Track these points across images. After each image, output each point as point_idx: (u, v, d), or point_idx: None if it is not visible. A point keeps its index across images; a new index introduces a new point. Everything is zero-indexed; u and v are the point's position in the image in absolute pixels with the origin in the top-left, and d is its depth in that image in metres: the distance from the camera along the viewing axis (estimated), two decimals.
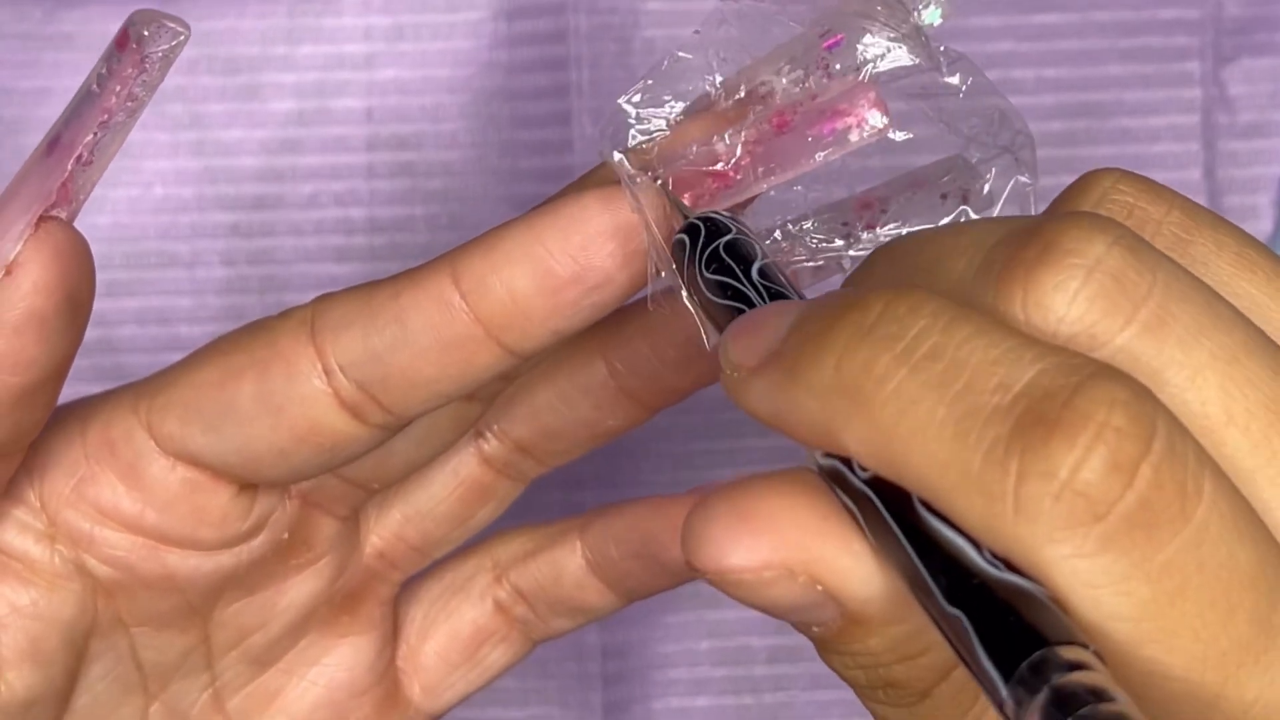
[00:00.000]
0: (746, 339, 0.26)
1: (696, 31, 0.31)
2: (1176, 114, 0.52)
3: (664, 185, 0.31)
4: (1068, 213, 0.25)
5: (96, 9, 0.51)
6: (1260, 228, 0.52)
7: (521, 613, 0.38)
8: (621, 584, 0.38)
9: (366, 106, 0.51)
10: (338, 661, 0.37)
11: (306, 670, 0.37)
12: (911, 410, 0.23)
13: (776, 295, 0.28)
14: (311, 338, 0.31)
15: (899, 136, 0.30)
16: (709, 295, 0.29)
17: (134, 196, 0.51)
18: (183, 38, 0.29)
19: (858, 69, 0.30)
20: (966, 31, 0.52)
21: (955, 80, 0.31)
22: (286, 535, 0.35)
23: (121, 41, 0.29)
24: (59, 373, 0.31)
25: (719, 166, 0.30)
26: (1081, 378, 0.22)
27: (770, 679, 0.51)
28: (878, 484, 0.24)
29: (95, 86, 0.30)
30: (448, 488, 0.38)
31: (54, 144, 0.30)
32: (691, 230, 0.30)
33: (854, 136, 0.30)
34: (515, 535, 0.39)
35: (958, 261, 0.25)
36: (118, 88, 0.29)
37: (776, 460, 0.50)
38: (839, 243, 0.32)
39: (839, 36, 0.30)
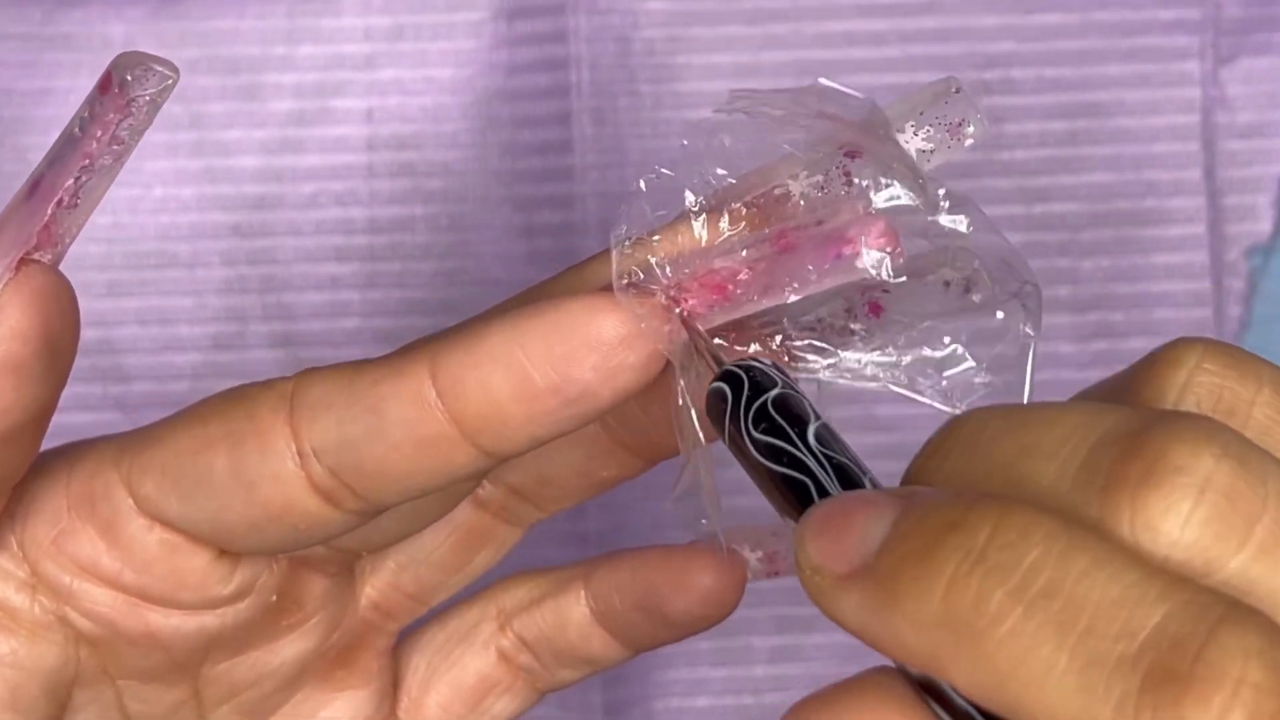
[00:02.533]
0: (830, 542, 0.24)
1: (684, 144, 0.30)
2: (1176, 114, 0.52)
3: (684, 316, 0.29)
4: (1169, 416, 0.24)
5: (96, 9, 0.51)
6: (1260, 228, 0.52)
7: (526, 662, 0.37)
8: (626, 635, 0.36)
9: (366, 106, 0.51)
10: (335, 716, 0.36)
11: None
12: (1029, 656, 0.22)
13: (840, 469, 0.26)
14: (289, 415, 0.29)
15: (891, 279, 0.29)
16: (758, 457, 0.27)
17: (134, 196, 0.51)
18: (170, 81, 0.28)
19: (878, 182, 0.29)
20: (967, 31, 0.52)
21: (959, 225, 0.29)
22: (275, 597, 0.33)
23: (105, 84, 0.28)
24: (40, 418, 0.30)
25: (718, 280, 0.29)
26: (1210, 623, 0.21)
27: (770, 679, 0.51)
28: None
29: (77, 130, 0.29)
30: (442, 534, 0.36)
31: (35, 187, 0.29)
32: (731, 380, 0.28)
33: (861, 263, 0.28)
34: (520, 581, 0.37)
35: (1050, 462, 0.24)
36: (99, 132, 0.28)
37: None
38: (820, 360, 0.30)
39: (860, 148, 0.29)
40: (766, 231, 0.29)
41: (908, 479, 0.26)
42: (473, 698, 0.37)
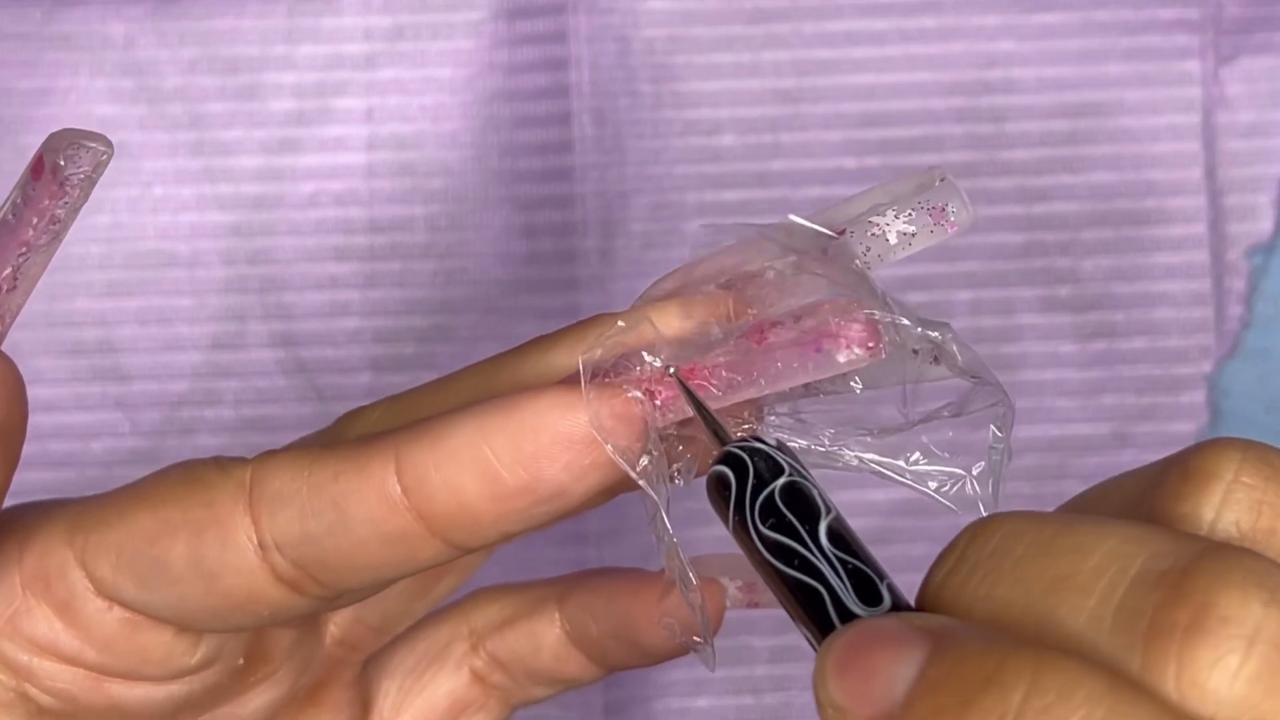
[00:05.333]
0: (854, 682, 0.23)
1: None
2: (1176, 114, 0.52)
3: (684, 384, 0.27)
4: (1212, 554, 0.23)
5: (96, 9, 0.51)
6: (1260, 228, 0.52)
7: (499, 680, 0.37)
8: (601, 658, 0.36)
9: (366, 106, 0.51)
10: None
11: None
12: None
13: (855, 575, 0.25)
14: (249, 506, 0.29)
15: (857, 384, 0.28)
16: (767, 556, 0.25)
17: (134, 196, 0.50)
18: (105, 157, 0.27)
19: (858, 263, 0.28)
20: (967, 31, 0.52)
21: (943, 341, 0.29)
22: (242, 660, 0.32)
23: (36, 169, 0.27)
24: None
25: (694, 375, 0.28)
26: None
27: (770, 679, 0.51)
28: None
29: (10, 215, 0.28)
30: None
31: None
32: (734, 464, 0.26)
33: (842, 358, 0.27)
34: (491, 599, 0.37)
35: (1085, 597, 0.23)
36: (34, 219, 0.28)
37: None
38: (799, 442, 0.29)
39: (841, 229, 0.29)
40: (743, 324, 0.28)
41: (927, 592, 0.25)
42: (446, 718, 0.37)
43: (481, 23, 0.51)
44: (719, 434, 0.27)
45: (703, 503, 0.28)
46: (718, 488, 0.26)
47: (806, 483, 0.26)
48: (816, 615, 0.25)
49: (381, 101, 0.51)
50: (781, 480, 0.26)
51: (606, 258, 0.51)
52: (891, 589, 0.25)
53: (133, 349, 0.51)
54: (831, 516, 0.25)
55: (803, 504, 0.26)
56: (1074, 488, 0.53)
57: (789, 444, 0.28)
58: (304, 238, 0.51)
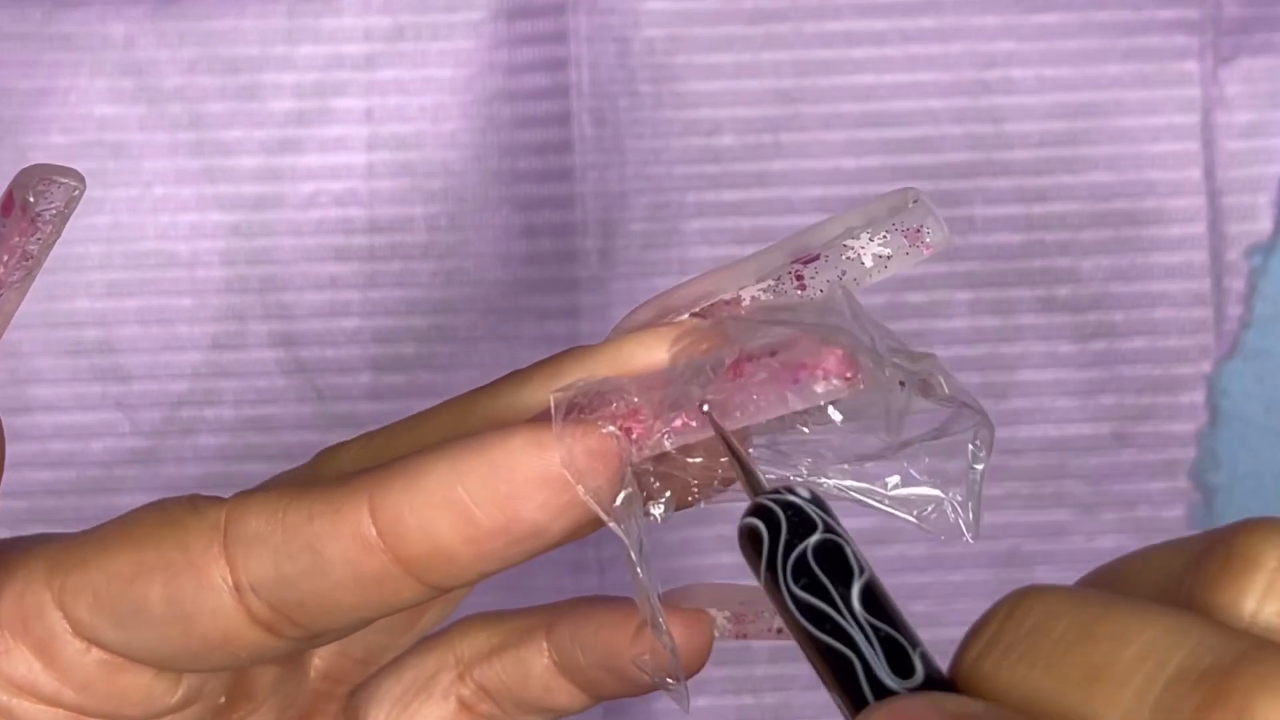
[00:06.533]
0: None
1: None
2: (1176, 114, 0.52)
3: (719, 430, 0.27)
4: (1253, 655, 0.22)
5: (96, 9, 0.51)
6: (1260, 227, 0.52)
7: (487, 710, 0.36)
8: (590, 688, 0.35)
9: (366, 106, 0.51)
10: None
11: None
12: None
13: (889, 642, 0.24)
14: (224, 548, 0.28)
15: (836, 415, 0.27)
16: (799, 618, 0.25)
17: (134, 196, 0.51)
18: (77, 192, 0.27)
19: (834, 281, 0.28)
20: (967, 31, 0.52)
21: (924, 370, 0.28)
22: (223, 699, 0.32)
23: (7, 206, 0.27)
24: None
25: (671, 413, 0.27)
26: None
27: (770, 679, 0.51)
28: None
29: None
30: None
31: None
32: (768, 518, 0.25)
33: (820, 389, 0.27)
34: (477, 627, 0.36)
35: (1122, 690, 0.22)
36: (6, 256, 0.28)
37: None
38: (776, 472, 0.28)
39: (815, 254, 0.28)
40: (720, 359, 0.28)
41: (961, 668, 0.24)
42: None
43: (481, 23, 0.51)
44: (752, 483, 0.26)
45: None
46: (749, 540, 0.26)
47: (841, 540, 0.25)
48: (847, 684, 0.24)
49: (381, 101, 0.51)
50: (815, 538, 0.25)
51: (606, 258, 0.51)
52: (925, 658, 0.24)
53: (133, 349, 0.51)
54: (865, 577, 0.25)
55: (836, 564, 0.25)
56: (1074, 488, 0.53)
57: (819, 484, 0.28)
58: (304, 238, 0.51)
